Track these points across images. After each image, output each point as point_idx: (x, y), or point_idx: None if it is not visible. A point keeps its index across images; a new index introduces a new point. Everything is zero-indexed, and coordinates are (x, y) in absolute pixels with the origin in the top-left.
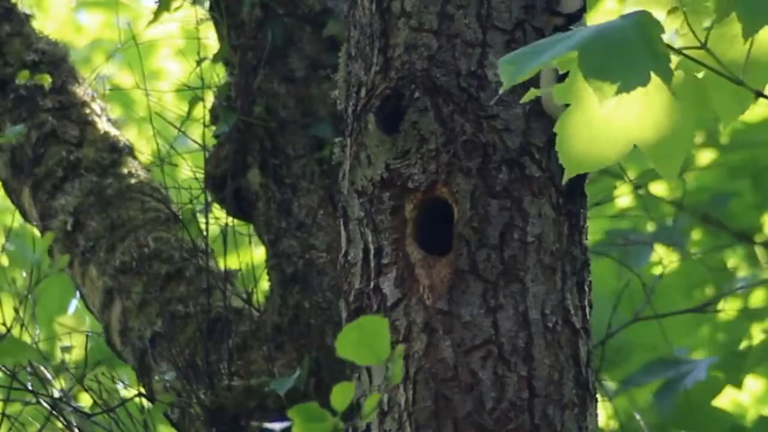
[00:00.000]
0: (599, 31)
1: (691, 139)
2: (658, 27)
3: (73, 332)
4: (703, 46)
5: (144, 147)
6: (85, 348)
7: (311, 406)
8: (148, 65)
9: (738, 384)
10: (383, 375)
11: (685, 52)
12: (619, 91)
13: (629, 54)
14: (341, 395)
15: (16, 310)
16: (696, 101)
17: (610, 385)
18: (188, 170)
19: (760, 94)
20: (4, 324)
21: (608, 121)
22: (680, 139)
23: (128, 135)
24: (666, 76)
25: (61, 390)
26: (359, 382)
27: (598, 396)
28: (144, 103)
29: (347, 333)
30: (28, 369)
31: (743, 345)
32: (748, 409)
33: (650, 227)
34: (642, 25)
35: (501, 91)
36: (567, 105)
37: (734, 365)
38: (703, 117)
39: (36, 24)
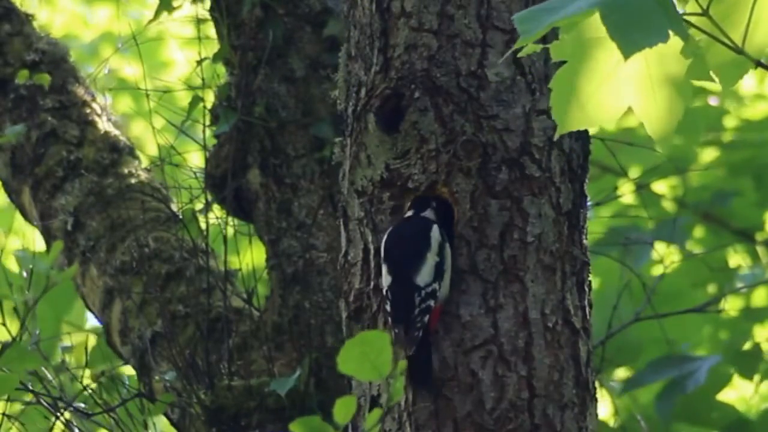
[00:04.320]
0: None
1: (686, 103)
2: None
3: (74, 333)
4: (705, 13)
5: (152, 140)
6: (86, 348)
7: (313, 419)
8: (157, 57)
9: (749, 377)
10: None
11: (688, 18)
12: (642, 47)
13: (647, 14)
14: (344, 409)
15: (16, 310)
16: (694, 66)
17: (614, 382)
18: (190, 169)
19: (759, 64)
20: (4, 324)
21: (606, 84)
22: (675, 103)
23: (136, 128)
24: (683, 34)
25: (61, 390)
26: (358, 382)
27: (602, 393)
28: (154, 95)
29: (348, 349)
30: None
31: (748, 344)
32: (753, 406)
33: (651, 225)
34: None
35: (516, 46)
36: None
37: (744, 364)
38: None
39: (44, 17)
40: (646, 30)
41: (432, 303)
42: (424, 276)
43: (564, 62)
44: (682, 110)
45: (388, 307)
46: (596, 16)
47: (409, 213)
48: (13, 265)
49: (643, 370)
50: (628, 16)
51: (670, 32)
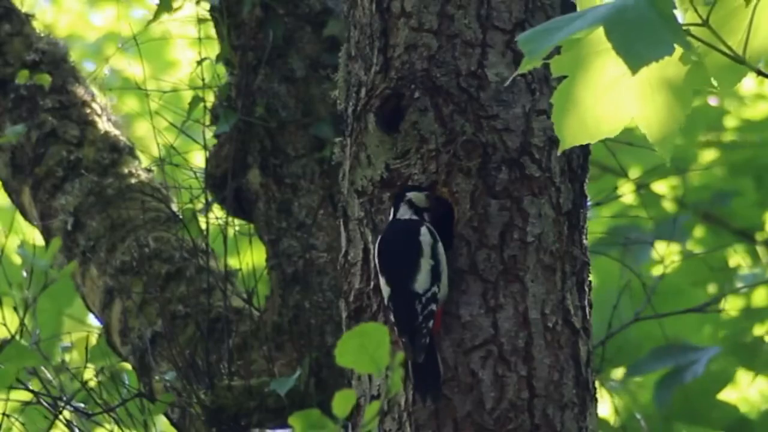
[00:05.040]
0: (616, 9)
1: (686, 112)
2: (670, 2)
3: (75, 329)
4: (705, 23)
5: (156, 139)
6: (86, 345)
7: (312, 412)
8: (163, 57)
9: (752, 370)
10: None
11: (688, 28)
12: (648, 61)
13: (651, 27)
14: (343, 402)
15: (16, 309)
16: (693, 73)
17: (614, 382)
18: (190, 169)
19: (760, 73)
20: (4, 324)
21: (606, 95)
22: (676, 113)
23: (140, 128)
24: (687, 46)
25: (61, 389)
26: (358, 382)
27: (602, 393)
28: (156, 96)
29: (347, 341)
30: (29, 369)
31: (749, 338)
32: (756, 405)
33: (651, 226)
34: (654, 2)
35: (520, 70)
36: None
37: (745, 355)
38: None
39: (49, 17)
40: (651, 43)
41: (434, 307)
42: (421, 283)
43: (564, 77)
44: (683, 117)
45: (391, 317)
46: (596, 30)
47: (391, 216)
48: (14, 262)
49: (644, 357)
50: (632, 31)
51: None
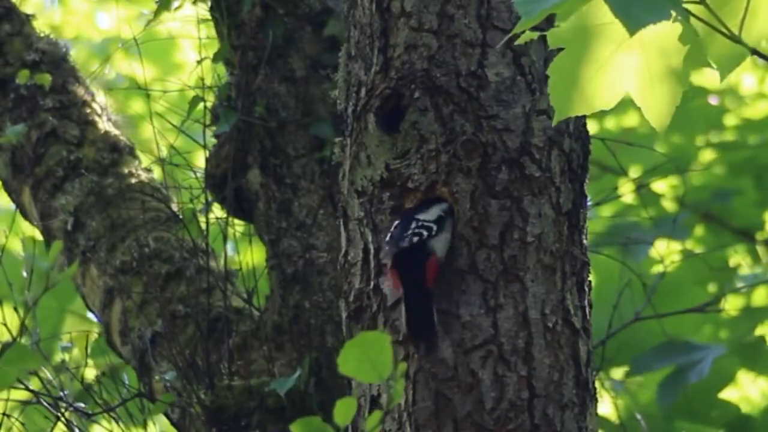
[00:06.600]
0: None
1: (683, 87)
2: None
3: (76, 326)
4: (702, 1)
5: (160, 141)
6: (86, 347)
7: (314, 419)
8: (170, 59)
9: (754, 371)
10: None
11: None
12: (646, 24)
13: None
14: (344, 410)
15: (16, 309)
16: (691, 52)
17: (614, 381)
18: (190, 169)
19: (756, 53)
20: (5, 325)
21: (603, 68)
22: (673, 89)
23: (146, 129)
24: (683, 14)
25: (62, 389)
26: (358, 382)
27: (602, 393)
28: (160, 97)
29: (348, 350)
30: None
31: (751, 337)
32: (757, 404)
33: (651, 225)
34: None
35: (515, 31)
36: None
37: (747, 355)
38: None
39: (56, 18)
40: (648, 7)
41: (425, 233)
42: (426, 215)
43: (561, 51)
44: (680, 95)
45: (387, 238)
46: (592, 3)
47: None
48: (17, 257)
49: (645, 355)
50: None
51: (672, 13)
